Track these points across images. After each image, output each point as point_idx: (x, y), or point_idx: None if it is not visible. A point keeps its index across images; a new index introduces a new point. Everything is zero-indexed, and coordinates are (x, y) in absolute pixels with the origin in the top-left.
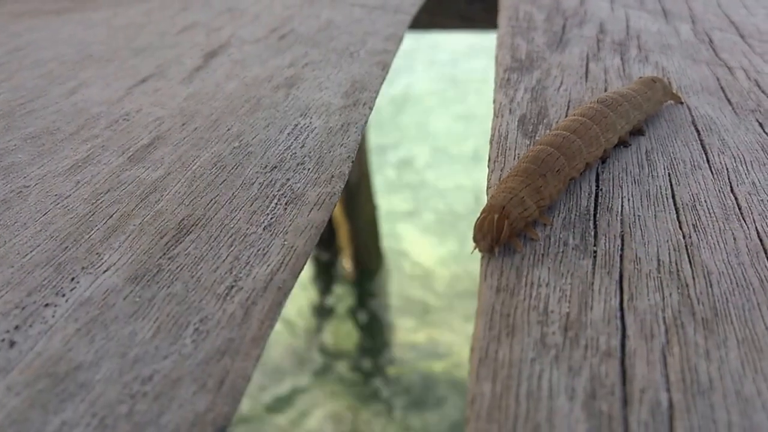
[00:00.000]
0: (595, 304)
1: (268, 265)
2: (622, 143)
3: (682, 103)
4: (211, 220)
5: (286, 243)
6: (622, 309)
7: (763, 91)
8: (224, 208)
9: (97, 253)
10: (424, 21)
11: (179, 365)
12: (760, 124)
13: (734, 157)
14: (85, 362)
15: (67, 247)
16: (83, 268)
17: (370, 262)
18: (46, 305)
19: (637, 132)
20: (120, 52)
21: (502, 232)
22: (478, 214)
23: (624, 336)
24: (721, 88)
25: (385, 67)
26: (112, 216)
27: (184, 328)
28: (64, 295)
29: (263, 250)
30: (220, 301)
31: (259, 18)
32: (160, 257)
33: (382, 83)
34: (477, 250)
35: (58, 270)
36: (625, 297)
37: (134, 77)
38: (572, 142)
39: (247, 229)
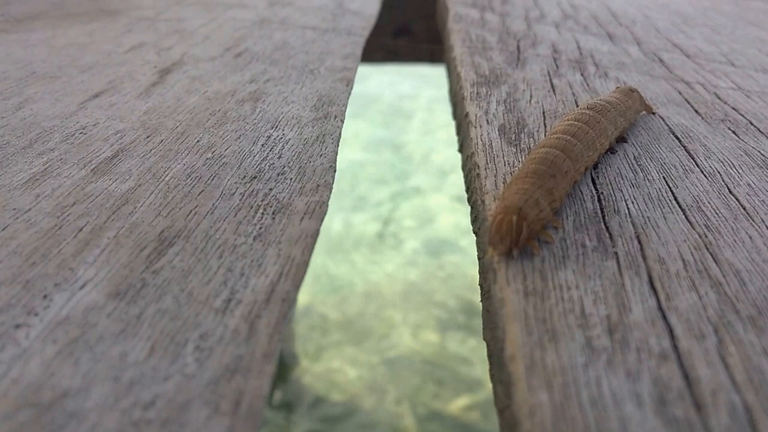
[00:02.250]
0: (633, 306)
1: (267, 276)
2: (610, 150)
3: (654, 113)
4: (193, 232)
5: (281, 252)
6: (661, 309)
7: (725, 103)
8: (206, 219)
9: (70, 269)
10: None
11: (184, 387)
12: (734, 132)
13: (722, 162)
14: (73, 388)
15: (34, 262)
16: (56, 284)
17: None
18: (17, 326)
19: (620, 139)
20: (66, 69)
21: (521, 234)
22: (491, 218)
23: (673, 337)
24: (686, 100)
25: (349, 83)
26: (81, 229)
27: (182, 345)
28: (37, 315)
29: (257, 260)
30: (219, 316)
31: (210, 38)
32: (143, 271)
33: (348, 98)
34: (494, 254)
35: (26, 288)
36: (661, 297)
37: (85, 93)
38: (574, 144)
39: (236, 239)
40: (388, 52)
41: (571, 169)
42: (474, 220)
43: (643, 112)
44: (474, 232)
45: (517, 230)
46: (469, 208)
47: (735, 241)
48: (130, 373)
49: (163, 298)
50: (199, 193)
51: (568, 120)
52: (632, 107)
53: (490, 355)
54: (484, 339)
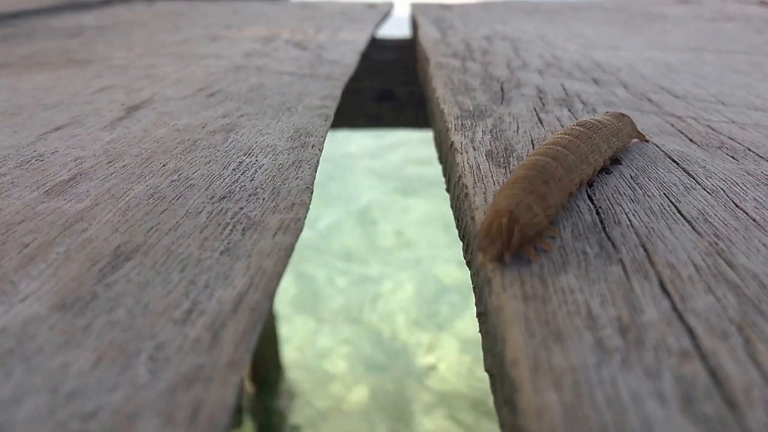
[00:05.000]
0: (646, 307)
1: (234, 288)
2: (604, 170)
3: (647, 141)
4: (153, 247)
5: (251, 265)
6: (677, 311)
7: (720, 133)
8: (168, 236)
9: (11, 282)
10: (333, 119)
11: (133, 398)
12: (732, 157)
13: (724, 180)
14: (1, 400)
15: None
16: None
17: (268, 373)
18: None
19: (615, 161)
20: (28, 107)
21: (513, 238)
22: (482, 221)
23: (693, 336)
24: (679, 131)
25: (327, 119)
26: (28, 245)
27: (134, 356)
28: None
29: (224, 273)
30: (178, 326)
31: (182, 81)
32: (95, 284)
33: (326, 131)
34: (483, 259)
35: None
36: (675, 299)
37: (47, 126)
38: (566, 155)
39: (200, 254)
40: (372, 117)
41: (564, 177)
42: (466, 249)
43: (636, 139)
44: (467, 263)
45: (508, 233)
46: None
47: (749, 248)
48: (70, 384)
49: (116, 310)
50: (162, 212)
51: (558, 135)
52: (624, 130)
53: (492, 383)
54: (485, 370)
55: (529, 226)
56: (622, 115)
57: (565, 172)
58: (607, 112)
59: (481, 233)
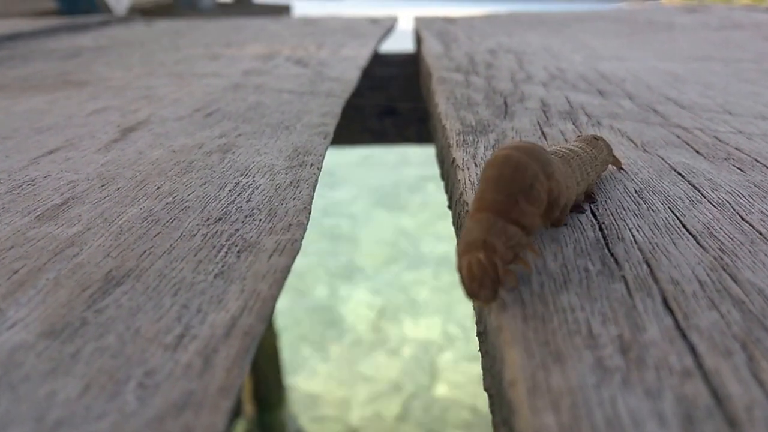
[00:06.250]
0: (648, 325)
1: (227, 311)
2: (576, 207)
3: (622, 168)
4: (146, 271)
5: (246, 288)
6: (680, 328)
7: (727, 144)
8: (162, 259)
9: None
10: (335, 136)
11: (121, 426)
12: (739, 168)
13: (730, 193)
14: None
15: None
16: None
17: (270, 396)
18: None
19: (588, 198)
20: (21, 130)
21: (498, 271)
22: (459, 263)
23: (696, 354)
24: (685, 143)
25: (327, 137)
26: (17, 272)
27: (123, 383)
28: None
29: (218, 297)
30: (169, 352)
31: (180, 101)
32: (84, 310)
33: (326, 149)
34: (483, 305)
35: None
36: (678, 316)
37: (40, 150)
38: (547, 154)
39: (194, 278)
40: (374, 133)
41: (538, 174)
42: None
43: (613, 166)
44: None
45: (492, 267)
46: None
47: (754, 262)
48: (57, 412)
49: (105, 336)
50: (156, 235)
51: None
52: (598, 157)
53: (491, 404)
54: (485, 389)
55: (507, 251)
56: (596, 139)
57: (542, 166)
58: (579, 135)
59: (464, 280)
